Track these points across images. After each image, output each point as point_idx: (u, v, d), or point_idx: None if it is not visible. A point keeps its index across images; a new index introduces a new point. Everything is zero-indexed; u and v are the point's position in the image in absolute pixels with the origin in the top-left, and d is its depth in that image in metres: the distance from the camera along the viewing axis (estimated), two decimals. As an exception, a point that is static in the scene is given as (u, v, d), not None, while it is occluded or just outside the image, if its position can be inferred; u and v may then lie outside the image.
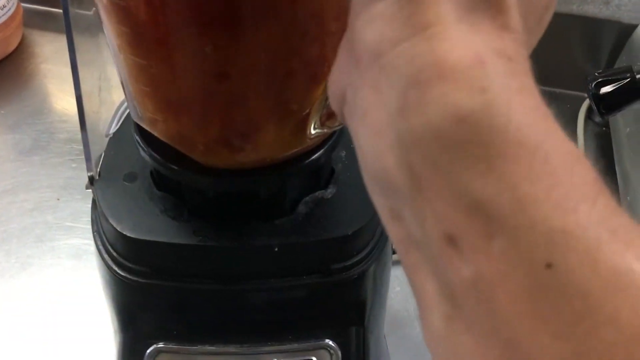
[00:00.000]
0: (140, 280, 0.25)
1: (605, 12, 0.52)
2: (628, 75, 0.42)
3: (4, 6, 0.55)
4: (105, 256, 0.26)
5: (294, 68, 0.22)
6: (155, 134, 0.24)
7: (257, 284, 0.25)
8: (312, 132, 0.24)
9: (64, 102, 0.54)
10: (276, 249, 0.24)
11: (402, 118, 0.14)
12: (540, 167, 0.13)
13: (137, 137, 0.25)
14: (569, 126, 0.53)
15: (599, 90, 0.43)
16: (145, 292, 0.26)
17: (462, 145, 0.13)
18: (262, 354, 0.27)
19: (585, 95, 0.54)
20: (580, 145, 0.51)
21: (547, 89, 0.56)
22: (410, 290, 0.16)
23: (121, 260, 0.25)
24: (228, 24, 0.20)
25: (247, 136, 0.24)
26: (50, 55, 0.59)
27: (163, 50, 0.21)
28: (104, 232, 0.26)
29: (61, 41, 0.59)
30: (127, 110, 0.28)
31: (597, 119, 0.53)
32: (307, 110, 0.24)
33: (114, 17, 0.21)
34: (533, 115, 0.14)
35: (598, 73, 0.43)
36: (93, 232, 0.27)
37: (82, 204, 0.44)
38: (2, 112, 0.52)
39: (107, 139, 0.28)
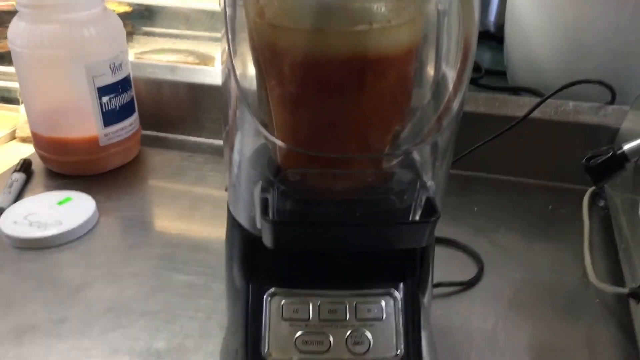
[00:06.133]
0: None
1: (595, 119, 0.66)
2: (610, 151, 0.55)
3: (131, 124, 0.72)
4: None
5: (375, 120, 0.36)
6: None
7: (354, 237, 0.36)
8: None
9: (161, 201, 0.69)
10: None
11: None
12: None
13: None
14: (577, 211, 0.64)
15: (590, 164, 0.56)
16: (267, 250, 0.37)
17: None
18: (346, 296, 0.38)
19: (588, 186, 0.66)
20: (585, 224, 0.62)
21: (556, 184, 0.69)
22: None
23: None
24: (338, 92, 0.34)
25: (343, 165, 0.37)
26: (157, 165, 0.75)
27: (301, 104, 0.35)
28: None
29: (167, 154, 0.76)
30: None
31: (601, 203, 0.65)
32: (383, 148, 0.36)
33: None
34: None
35: (590, 153, 0.57)
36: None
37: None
38: (117, 201, 0.67)
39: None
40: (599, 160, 0.55)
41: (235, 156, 0.38)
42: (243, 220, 0.39)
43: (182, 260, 0.58)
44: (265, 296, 0.38)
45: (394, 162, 0.36)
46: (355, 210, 0.35)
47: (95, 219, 0.62)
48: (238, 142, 0.38)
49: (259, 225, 0.36)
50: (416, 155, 0.39)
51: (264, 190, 0.35)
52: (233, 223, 0.39)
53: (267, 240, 0.34)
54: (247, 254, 0.39)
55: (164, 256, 0.58)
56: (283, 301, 0.38)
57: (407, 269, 0.38)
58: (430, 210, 0.34)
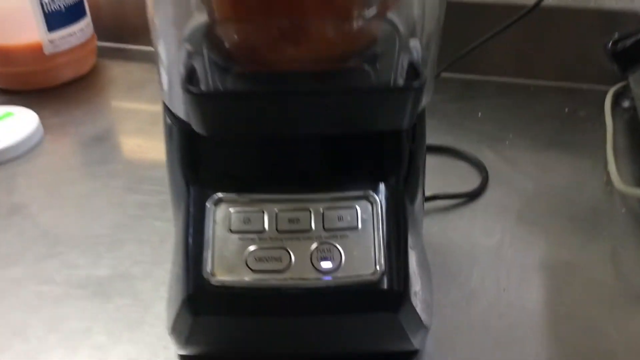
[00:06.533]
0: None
1: (620, 4, 0.56)
2: (642, 32, 0.46)
3: (81, 30, 0.63)
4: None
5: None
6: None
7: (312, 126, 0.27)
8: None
9: (118, 115, 0.60)
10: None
11: None
12: None
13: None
14: (598, 113, 0.55)
15: (616, 48, 0.46)
16: (210, 145, 0.29)
17: None
18: (310, 201, 0.29)
19: (610, 86, 0.57)
20: (608, 126, 0.53)
21: (573, 85, 0.60)
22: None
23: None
24: None
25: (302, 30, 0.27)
26: (115, 79, 0.66)
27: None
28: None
29: (126, 66, 0.67)
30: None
31: (625, 103, 0.56)
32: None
33: None
34: None
35: (617, 35, 0.47)
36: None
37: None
38: (67, 117, 0.59)
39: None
40: (628, 43, 0.46)
41: (161, 27, 0.29)
42: (178, 109, 0.30)
43: (136, 178, 0.50)
44: (208, 203, 0.29)
45: (367, 16, 0.26)
46: (314, 83, 0.26)
47: (38, 136, 0.54)
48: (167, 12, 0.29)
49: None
50: (398, 22, 0.29)
51: (190, 57, 0.26)
52: (167, 115, 0.31)
53: (197, 123, 0.26)
54: (186, 151, 0.31)
55: (116, 174, 0.50)
56: (231, 209, 0.29)
57: (389, 164, 0.30)
58: (412, 76, 0.25)
